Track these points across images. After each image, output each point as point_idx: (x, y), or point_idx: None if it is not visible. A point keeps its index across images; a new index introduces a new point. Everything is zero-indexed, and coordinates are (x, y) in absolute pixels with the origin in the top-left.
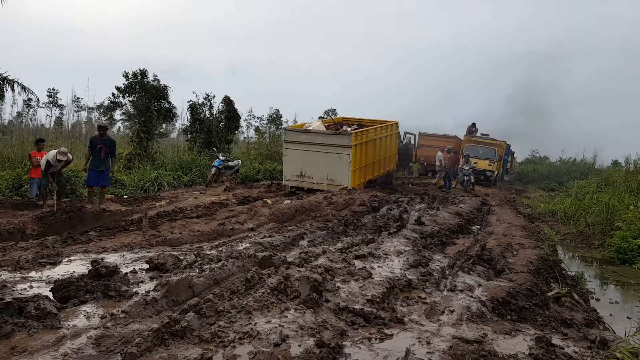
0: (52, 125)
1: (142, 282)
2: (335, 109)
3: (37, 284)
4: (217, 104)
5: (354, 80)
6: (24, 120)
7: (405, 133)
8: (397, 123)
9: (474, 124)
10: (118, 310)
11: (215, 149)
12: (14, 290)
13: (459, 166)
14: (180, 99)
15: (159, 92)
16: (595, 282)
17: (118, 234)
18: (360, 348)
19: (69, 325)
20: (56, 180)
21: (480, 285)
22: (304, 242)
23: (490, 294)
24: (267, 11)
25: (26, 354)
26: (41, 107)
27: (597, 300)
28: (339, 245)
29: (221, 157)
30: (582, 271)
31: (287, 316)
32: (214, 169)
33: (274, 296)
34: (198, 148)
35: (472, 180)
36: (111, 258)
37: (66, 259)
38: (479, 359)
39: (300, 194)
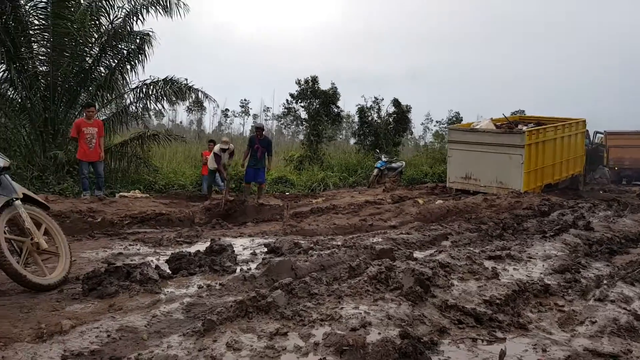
0: (243, 132)
1: (251, 261)
2: (524, 110)
3: (164, 257)
4: (386, 107)
5: (546, 81)
6: (223, 129)
7: (596, 132)
8: (584, 121)
9: None
10: (216, 283)
11: (377, 151)
12: (126, 258)
13: None
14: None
15: (329, 97)
16: None
17: (261, 224)
18: (459, 347)
19: (168, 291)
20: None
21: None
22: (446, 243)
23: None
24: (448, 14)
25: (121, 312)
26: (235, 116)
27: None
28: (494, 250)
29: (384, 159)
30: None
31: (378, 305)
32: (376, 170)
33: (371, 285)
34: (365, 150)
35: None
36: (241, 241)
37: (202, 241)
38: None
39: (462, 196)
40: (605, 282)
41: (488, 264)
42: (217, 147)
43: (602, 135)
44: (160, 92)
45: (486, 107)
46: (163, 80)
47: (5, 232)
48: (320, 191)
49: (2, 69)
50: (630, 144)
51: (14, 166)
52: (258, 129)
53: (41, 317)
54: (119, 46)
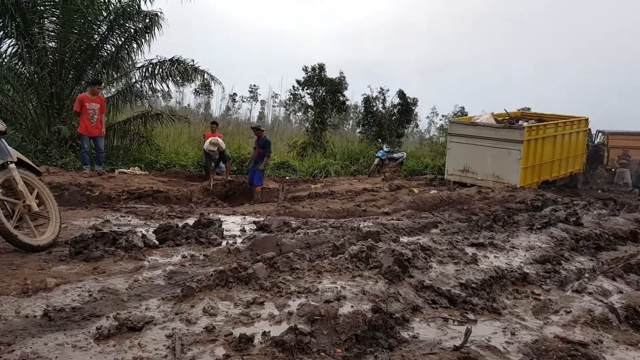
0: (250, 118)
1: (238, 236)
2: (529, 108)
3: (153, 229)
4: (391, 98)
5: (555, 78)
6: (231, 114)
7: (598, 132)
8: (586, 119)
9: None
10: (201, 254)
11: (380, 140)
12: (114, 225)
13: None
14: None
15: (335, 86)
16: None
17: (257, 205)
18: (429, 325)
19: (152, 259)
20: (219, 159)
21: (621, 292)
22: (435, 231)
23: (629, 302)
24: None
25: (104, 275)
26: (244, 101)
27: None
28: (478, 238)
29: (385, 149)
30: None
31: (355, 281)
32: (377, 160)
33: (352, 263)
34: (369, 140)
35: None
36: (233, 218)
37: (194, 216)
38: (564, 358)
39: (457, 188)
40: (586, 275)
41: (469, 250)
42: (206, 144)
43: (605, 135)
44: (166, 72)
45: (496, 103)
46: (169, 60)
47: None
48: (321, 178)
49: (12, 44)
50: (631, 145)
51: (19, 138)
52: (254, 129)
53: (28, 274)
54: (127, 25)
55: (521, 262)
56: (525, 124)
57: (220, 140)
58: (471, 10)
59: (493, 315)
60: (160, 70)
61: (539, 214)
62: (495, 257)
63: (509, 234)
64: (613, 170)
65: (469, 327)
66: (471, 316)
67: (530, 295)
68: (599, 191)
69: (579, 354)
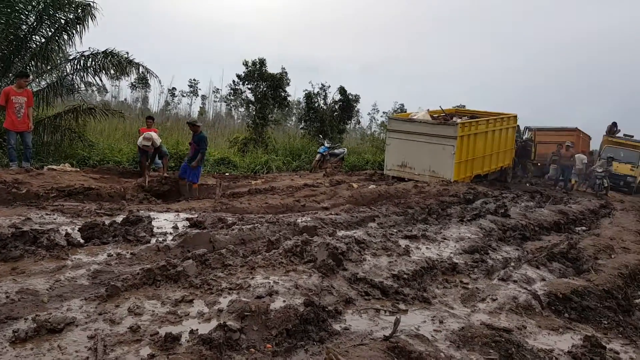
0: (190, 114)
1: (169, 233)
2: (464, 105)
3: (79, 226)
4: (332, 94)
5: (489, 78)
6: (170, 109)
7: (526, 128)
8: (515, 116)
9: (614, 124)
10: (128, 252)
11: (321, 136)
12: (35, 224)
13: (592, 168)
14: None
15: (277, 81)
16: None
17: (193, 202)
18: (361, 316)
19: (76, 258)
20: (156, 155)
21: (543, 279)
22: (373, 224)
23: (550, 289)
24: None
25: (23, 275)
26: (184, 96)
27: None
28: (412, 230)
29: (326, 144)
30: None
31: (289, 276)
32: (318, 155)
33: (286, 257)
34: (311, 136)
35: (606, 185)
36: (166, 216)
37: (123, 214)
38: (489, 344)
39: (395, 182)
40: (512, 264)
41: (403, 242)
42: (140, 139)
43: (532, 131)
44: (99, 65)
45: (433, 100)
46: (103, 52)
47: None
48: (263, 174)
49: None
50: (554, 140)
51: None
52: (190, 125)
53: None
54: (57, 15)
55: (451, 253)
56: (458, 120)
57: (154, 135)
58: (413, 9)
59: (423, 305)
60: (93, 62)
61: (470, 207)
62: (427, 248)
63: (441, 226)
64: (539, 164)
65: (398, 317)
66: (402, 306)
67: (459, 284)
68: (527, 184)
69: (503, 339)
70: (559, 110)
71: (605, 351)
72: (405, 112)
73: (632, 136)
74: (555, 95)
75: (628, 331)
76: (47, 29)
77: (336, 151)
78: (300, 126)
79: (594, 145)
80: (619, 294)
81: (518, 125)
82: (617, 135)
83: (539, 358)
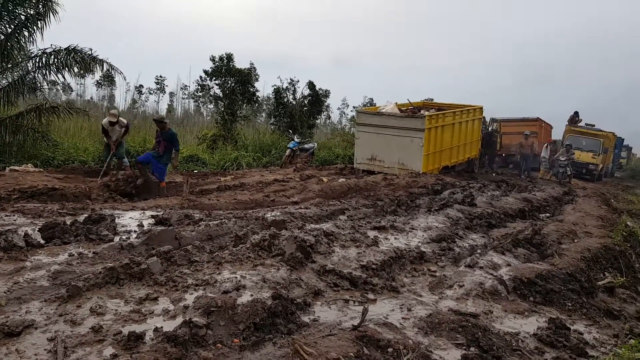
0: (158, 111)
1: (133, 231)
2: (432, 99)
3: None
4: (301, 89)
5: (461, 73)
6: (137, 107)
7: (492, 119)
8: (481, 108)
9: (576, 113)
10: (90, 251)
11: (291, 131)
12: None
13: (555, 156)
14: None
15: (245, 77)
16: None
17: (160, 199)
18: (330, 307)
19: (35, 259)
20: (117, 152)
21: (509, 265)
22: (343, 217)
23: (515, 274)
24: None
25: None
26: (151, 93)
27: None
28: (380, 221)
29: (296, 140)
30: None
31: (256, 270)
32: (288, 151)
33: (253, 252)
34: (281, 131)
35: (569, 173)
36: (131, 214)
37: (87, 213)
38: (456, 329)
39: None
40: (478, 251)
41: (371, 233)
42: (105, 120)
43: (497, 122)
44: (62, 62)
45: (401, 95)
46: (65, 49)
47: None
48: (232, 170)
49: None
50: (517, 130)
51: None
52: (157, 122)
53: None
54: (17, 11)
55: (419, 242)
56: (426, 113)
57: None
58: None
59: (392, 294)
60: (56, 60)
61: (438, 197)
62: (395, 238)
63: (410, 217)
64: (503, 155)
65: (366, 306)
66: (371, 296)
67: (427, 272)
68: (494, 174)
69: (470, 324)
70: (527, 102)
71: (569, 332)
72: (375, 106)
73: (594, 125)
74: (525, 89)
75: (591, 312)
76: (7, 26)
77: (306, 146)
78: (270, 122)
79: (556, 135)
80: (582, 277)
81: (484, 117)
82: (579, 124)
83: (505, 341)
